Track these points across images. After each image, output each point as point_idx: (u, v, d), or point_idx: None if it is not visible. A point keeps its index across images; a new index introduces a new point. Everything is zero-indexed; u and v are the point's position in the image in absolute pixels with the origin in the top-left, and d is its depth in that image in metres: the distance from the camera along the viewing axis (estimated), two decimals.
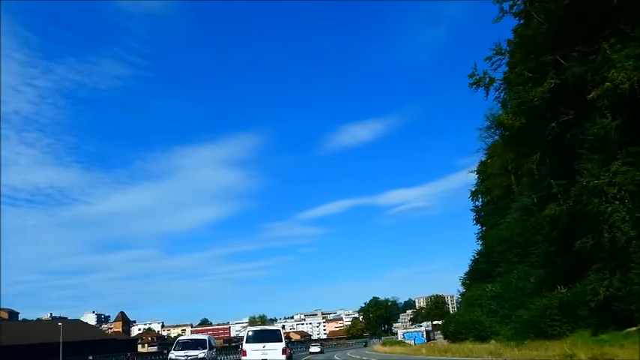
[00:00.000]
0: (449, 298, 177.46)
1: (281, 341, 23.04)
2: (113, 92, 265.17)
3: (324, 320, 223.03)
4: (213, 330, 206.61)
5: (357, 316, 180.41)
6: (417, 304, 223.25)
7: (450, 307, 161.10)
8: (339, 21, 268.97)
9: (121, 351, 68.96)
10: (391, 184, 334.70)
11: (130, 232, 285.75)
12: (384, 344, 63.57)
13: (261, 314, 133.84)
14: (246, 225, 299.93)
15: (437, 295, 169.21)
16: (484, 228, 61.75)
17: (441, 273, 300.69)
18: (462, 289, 61.45)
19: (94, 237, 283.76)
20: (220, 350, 62.81)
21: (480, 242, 62.37)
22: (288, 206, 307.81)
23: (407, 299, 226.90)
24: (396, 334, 77.39)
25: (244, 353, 22.93)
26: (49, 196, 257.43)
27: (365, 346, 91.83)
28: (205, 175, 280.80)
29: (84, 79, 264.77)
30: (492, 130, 58.26)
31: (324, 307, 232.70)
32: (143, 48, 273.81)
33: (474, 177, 68.56)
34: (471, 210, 69.43)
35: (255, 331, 24.55)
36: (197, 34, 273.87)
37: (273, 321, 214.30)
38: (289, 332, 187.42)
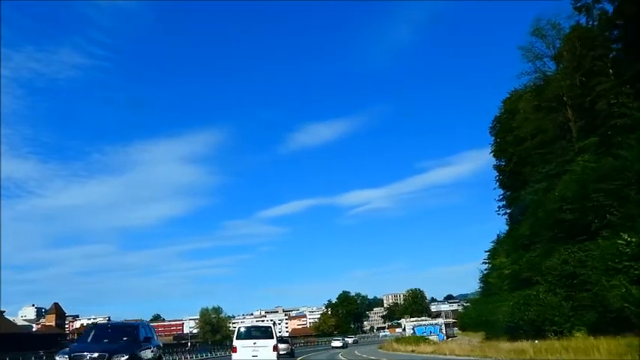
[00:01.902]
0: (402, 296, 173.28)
1: (272, 338, 22.51)
2: (72, 83, 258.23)
3: (287, 317, 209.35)
4: (164, 326, 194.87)
5: (324, 311, 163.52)
6: (384, 302, 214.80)
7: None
8: (306, 20, 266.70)
9: (45, 347, 58.59)
10: (352, 185, 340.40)
11: (86, 226, 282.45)
12: (399, 342, 46.87)
13: (216, 306, 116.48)
14: (204, 222, 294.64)
15: (416, 289, 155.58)
16: (528, 185, 46.99)
17: (401, 274, 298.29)
18: (484, 270, 48.32)
19: (48, 231, 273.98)
20: (167, 348, 55.08)
21: (507, 206, 49.72)
22: (248, 204, 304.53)
23: (372, 297, 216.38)
24: (403, 328, 61.39)
25: (235, 350, 22.46)
26: (7, 189, 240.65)
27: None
28: (165, 171, 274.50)
29: (42, 68, 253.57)
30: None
31: (286, 304, 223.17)
32: (105, 38, 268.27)
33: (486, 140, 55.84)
34: (494, 168, 56.29)
35: (246, 328, 24.22)
36: (162, 28, 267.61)
37: (230, 318, 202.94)
38: None
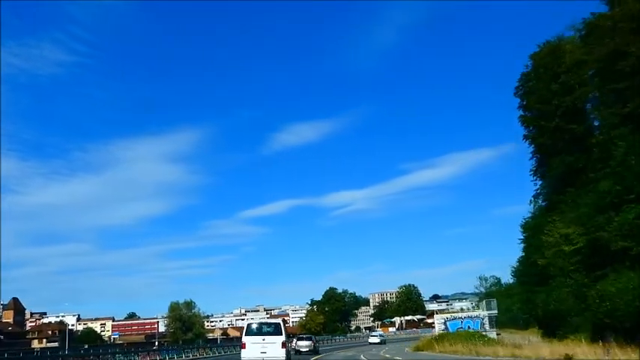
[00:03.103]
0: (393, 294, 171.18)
1: (281, 334, 22.30)
2: (53, 79, 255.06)
3: (268, 316, 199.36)
4: (138, 325, 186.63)
5: (310, 309, 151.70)
6: (371, 301, 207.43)
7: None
8: (291, 20, 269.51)
9: None
10: (335, 186, 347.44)
11: (65, 225, 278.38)
12: (444, 340, 34.21)
13: (188, 300, 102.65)
14: (186, 222, 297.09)
15: (409, 285, 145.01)
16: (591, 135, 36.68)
17: (384, 275, 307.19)
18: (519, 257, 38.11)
19: (27, 229, 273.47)
20: (131, 348, 51.78)
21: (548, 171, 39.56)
22: (231, 204, 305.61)
23: (357, 296, 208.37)
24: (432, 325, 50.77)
25: (244, 346, 22.34)
26: None
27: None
28: (146, 169, 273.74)
29: (23, 63, 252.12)
30: None
31: (268, 304, 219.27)
32: (87, 35, 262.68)
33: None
34: (524, 124, 46.42)
35: (255, 324, 24.30)
36: (144, 25, 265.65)
37: (208, 316, 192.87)
38: (227, 328, 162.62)
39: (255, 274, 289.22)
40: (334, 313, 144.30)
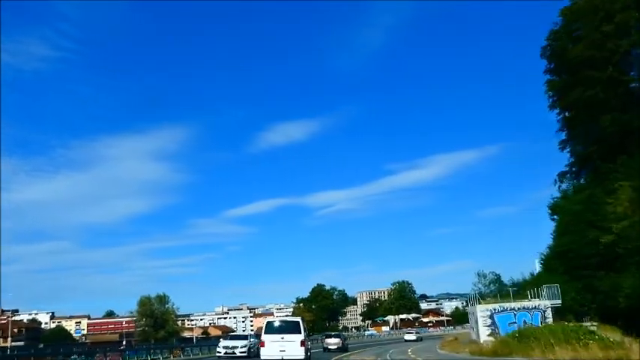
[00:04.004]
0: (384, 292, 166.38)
1: (300, 333, 22.12)
2: (38, 75, 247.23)
3: (251, 314, 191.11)
4: (115, 323, 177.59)
5: (296, 306, 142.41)
6: (358, 300, 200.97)
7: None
8: (279, 20, 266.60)
9: None
10: (320, 186, 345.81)
11: (47, 223, 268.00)
12: (524, 340, 23.39)
13: (161, 294, 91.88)
14: (170, 221, 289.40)
15: (403, 281, 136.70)
16: None
17: (369, 275, 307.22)
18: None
19: (9, 227, 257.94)
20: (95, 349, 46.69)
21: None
22: (215, 203, 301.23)
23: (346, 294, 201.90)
24: (474, 319, 38.84)
25: (262, 344, 22.23)
26: None
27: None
28: (131, 167, 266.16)
29: (9, 59, 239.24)
30: None
31: (252, 303, 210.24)
32: (73, 31, 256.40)
33: None
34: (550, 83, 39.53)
35: (274, 322, 24.14)
36: (131, 22, 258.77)
37: (189, 315, 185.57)
38: (208, 327, 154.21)
39: (240, 273, 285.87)
40: (322, 311, 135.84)
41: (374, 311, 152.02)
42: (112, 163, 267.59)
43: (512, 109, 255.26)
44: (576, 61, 36.25)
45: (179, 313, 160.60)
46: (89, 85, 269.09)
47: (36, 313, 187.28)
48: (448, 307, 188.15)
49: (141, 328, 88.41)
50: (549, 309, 31.75)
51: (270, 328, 22.52)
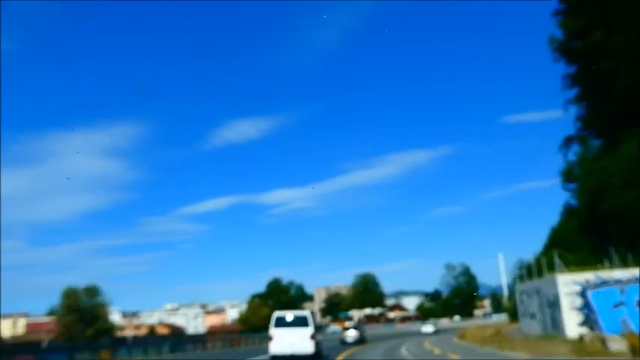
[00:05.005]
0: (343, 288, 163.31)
1: (309, 326, 21.93)
2: None
3: (204, 311, 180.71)
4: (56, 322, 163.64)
5: (251, 301, 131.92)
6: (316, 297, 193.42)
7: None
8: (233, 15, 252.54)
9: None
10: (275, 183, 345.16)
11: None
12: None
13: (91, 285, 77.13)
14: (121, 218, 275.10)
15: (366, 274, 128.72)
16: None
17: (324, 274, 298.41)
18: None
19: None
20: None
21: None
22: (168, 201, 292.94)
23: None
24: (544, 300, 26.99)
25: (271, 338, 22.19)
26: None
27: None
28: (81, 163, 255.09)
29: None
30: None
31: (204, 300, 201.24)
32: (23, 21, 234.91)
33: None
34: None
35: (282, 316, 23.14)
36: (82, 14, 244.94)
37: (135, 314, 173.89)
38: (155, 325, 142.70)
39: (193, 271, 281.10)
40: (279, 307, 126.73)
41: (335, 307, 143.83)
42: (61, 159, 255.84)
43: (465, 110, 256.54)
44: None
45: (127, 311, 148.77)
46: (38, 78, 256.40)
47: None
48: (406, 303, 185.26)
49: (64, 325, 76.05)
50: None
51: (278, 322, 22.23)
